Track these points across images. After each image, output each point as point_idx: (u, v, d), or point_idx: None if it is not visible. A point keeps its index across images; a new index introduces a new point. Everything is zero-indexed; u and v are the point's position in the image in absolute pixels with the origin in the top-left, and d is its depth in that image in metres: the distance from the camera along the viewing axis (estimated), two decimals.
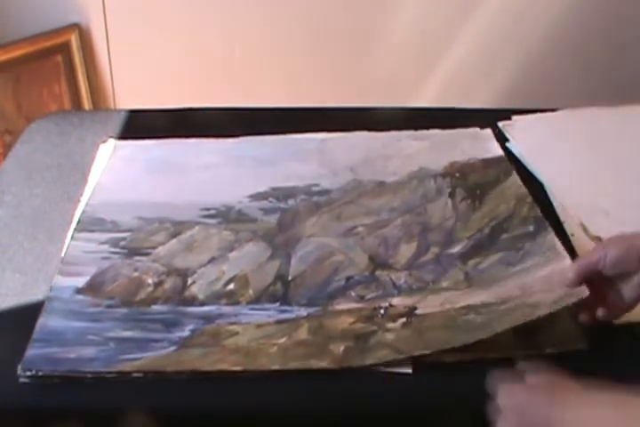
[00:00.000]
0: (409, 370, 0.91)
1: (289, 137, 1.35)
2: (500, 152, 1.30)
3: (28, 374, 0.90)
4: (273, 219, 1.17)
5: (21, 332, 0.96)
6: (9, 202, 1.21)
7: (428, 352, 0.92)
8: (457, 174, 1.24)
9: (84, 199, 1.20)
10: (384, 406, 0.90)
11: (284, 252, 1.11)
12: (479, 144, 1.32)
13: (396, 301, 1.02)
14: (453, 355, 0.92)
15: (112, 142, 1.34)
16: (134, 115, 1.44)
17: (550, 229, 1.10)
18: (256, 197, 1.22)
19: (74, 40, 2.03)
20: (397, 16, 2.04)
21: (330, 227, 1.16)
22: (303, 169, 1.27)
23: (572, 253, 1.07)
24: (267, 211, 1.19)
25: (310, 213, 1.18)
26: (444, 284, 1.04)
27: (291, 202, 1.21)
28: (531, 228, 1.12)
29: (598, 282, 0.94)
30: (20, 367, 0.90)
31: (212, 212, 1.18)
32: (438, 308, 0.99)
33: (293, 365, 0.92)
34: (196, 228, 1.15)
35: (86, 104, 2.11)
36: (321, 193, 1.22)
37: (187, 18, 2.04)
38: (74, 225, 1.15)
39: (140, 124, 1.41)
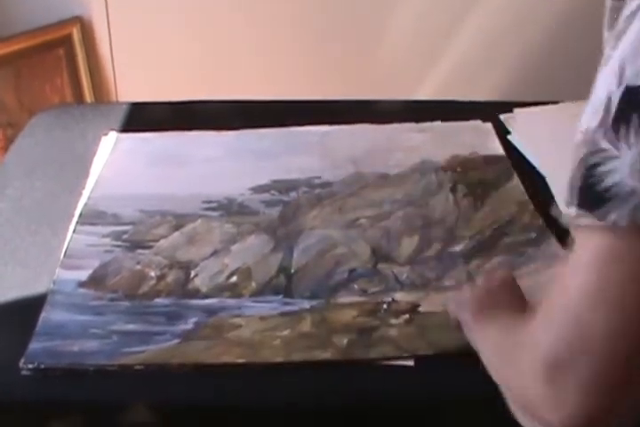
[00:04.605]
0: (411, 363, 0.92)
1: (290, 130, 1.35)
2: (500, 150, 1.30)
3: (30, 366, 0.90)
4: (275, 211, 1.17)
5: (24, 325, 0.96)
6: (11, 195, 1.21)
7: (431, 353, 0.92)
8: (458, 169, 1.24)
9: (85, 192, 1.20)
10: (385, 399, 0.90)
11: (286, 244, 1.11)
12: (480, 137, 1.33)
13: (398, 296, 1.02)
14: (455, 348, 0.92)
15: (114, 135, 1.34)
16: (136, 108, 1.44)
17: (553, 237, 1.10)
18: (258, 189, 1.22)
19: (76, 33, 2.02)
20: (400, 9, 2.04)
21: (332, 219, 1.16)
22: (305, 162, 1.28)
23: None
24: (268, 203, 1.19)
25: (312, 206, 1.18)
26: (447, 282, 1.04)
27: (292, 194, 1.21)
28: (532, 235, 1.11)
29: None
30: (22, 360, 0.91)
31: (214, 204, 1.18)
32: (441, 307, 0.99)
33: (297, 356, 0.92)
34: (199, 220, 1.15)
35: (88, 97, 2.11)
36: (323, 186, 1.22)
37: (188, 10, 2.03)
38: (76, 218, 1.15)
39: (142, 117, 1.41)
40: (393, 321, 0.97)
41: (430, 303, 1.00)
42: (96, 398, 0.89)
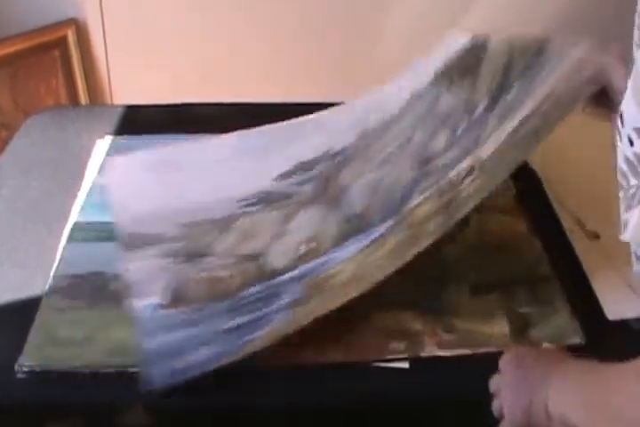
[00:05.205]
0: (405, 365, 0.91)
1: (286, 122, 1.33)
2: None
3: (25, 369, 0.89)
4: (308, 188, 1.17)
5: (21, 326, 0.95)
6: (6, 196, 1.20)
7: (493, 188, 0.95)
8: (447, 76, 1.21)
9: (79, 198, 1.18)
10: (385, 399, 0.90)
11: (336, 204, 1.12)
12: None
13: (454, 172, 1.02)
14: (450, 350, 0.92)
15: (109, 139, 1.32)
16: (131, 110, 1.44)
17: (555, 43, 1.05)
18: (283, 176, 1.21)
19: (71, 35, 2.02)
20: (399, 9, 2.04)
21: (364, 169, 1.16)
22: (311, 142, 1.26)
23: (570, 249, 1.08)
24: (300, 183, 1.18)
25: (339, 171, 1.18)
26: (487, 136, 1.04)
27: (315, 171, 1.20)
28: (535, 52, 1.06)
29: None
30: (17, 364, 0.89)
31: (253, 200, 1.17)
32: (495, 145, 1.00)
33: (408, 256, 0.92)
34: (242, 218, 1.13)
35: (83, 99, 2.11)
36: (338, 154, 1.22)
37: (184, 13, 2.03)
38: (121, 246, 1.08)
39: (137, 120, 1.41)
40: (463, 185, 0.99)
41: (478, 157, 1.01)
42: (95, 400, 0.89)
